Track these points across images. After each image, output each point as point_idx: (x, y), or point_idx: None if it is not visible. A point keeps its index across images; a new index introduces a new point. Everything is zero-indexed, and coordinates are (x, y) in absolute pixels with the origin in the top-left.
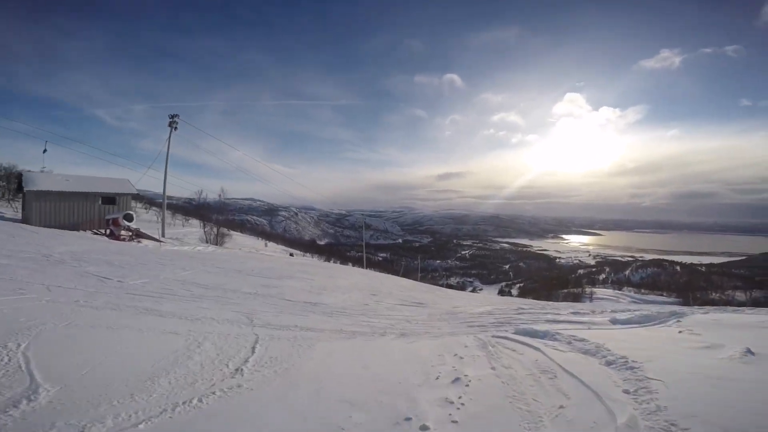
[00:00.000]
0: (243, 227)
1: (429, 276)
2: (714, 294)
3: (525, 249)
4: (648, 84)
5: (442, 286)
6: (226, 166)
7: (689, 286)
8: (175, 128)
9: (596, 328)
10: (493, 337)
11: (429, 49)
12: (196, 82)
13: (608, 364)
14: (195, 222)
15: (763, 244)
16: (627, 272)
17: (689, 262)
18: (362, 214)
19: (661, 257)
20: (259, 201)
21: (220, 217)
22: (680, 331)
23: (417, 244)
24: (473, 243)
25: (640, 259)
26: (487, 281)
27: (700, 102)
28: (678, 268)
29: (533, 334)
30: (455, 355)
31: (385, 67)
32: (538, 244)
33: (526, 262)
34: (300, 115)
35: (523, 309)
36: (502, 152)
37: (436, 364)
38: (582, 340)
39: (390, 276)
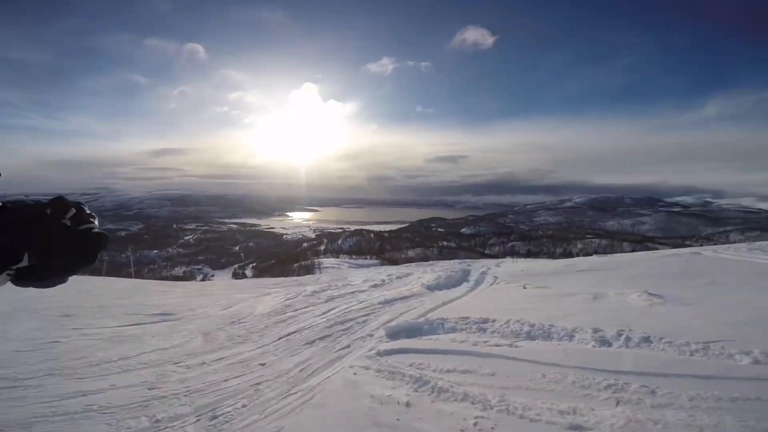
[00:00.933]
0: None
1: (146, 270)
2: (398, 253)
3: (254, 228)
4: (366, 84)
5: (167, 279)
6: None
7: (381, 249)
8: None
9: (451, 300)
10: (378, 356)
11: (176, 13)
12: None
13: (629, 343)
14: None
15: (418, 214)
16: (339, 242)
17: (378, 230)
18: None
19: (361, 227)
20: None
21: None
22: (524, 287)
23: (123, 233)
24: (198, 226)
25: (348, 230)
26: (218, 266)
27: (393, 104)
28: (372, 235)
29: (417, 331)
30: None
31: (103, 21)
32: (266, 223)
33: (255, 241)
34: None
35: (315, 292)
36: (232, 131)
37: None
38: (490, 321)
39: (90, 278)
